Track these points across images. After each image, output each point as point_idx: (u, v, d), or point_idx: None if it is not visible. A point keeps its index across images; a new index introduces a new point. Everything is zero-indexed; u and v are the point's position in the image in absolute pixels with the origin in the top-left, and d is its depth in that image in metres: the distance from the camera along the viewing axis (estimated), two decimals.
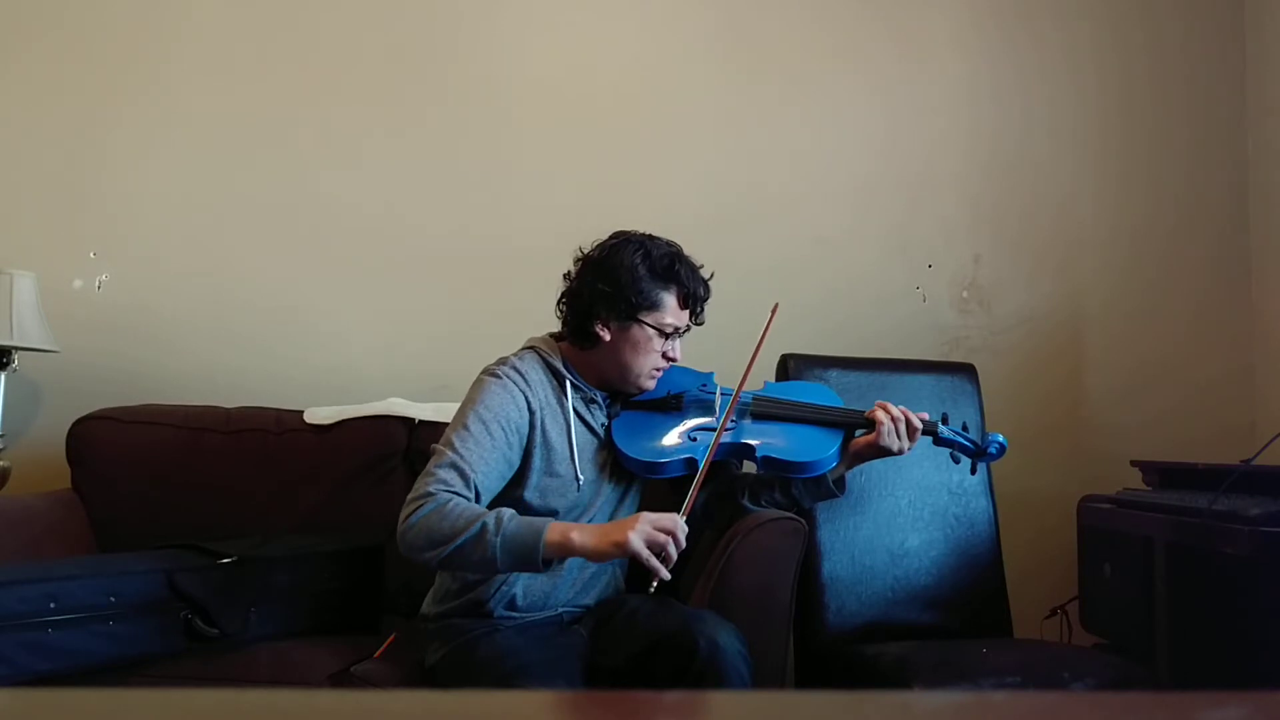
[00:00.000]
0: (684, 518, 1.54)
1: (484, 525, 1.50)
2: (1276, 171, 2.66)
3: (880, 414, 1.75)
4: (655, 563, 1.50)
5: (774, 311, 1.78)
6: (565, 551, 1.53)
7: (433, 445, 1.64)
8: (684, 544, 1.53)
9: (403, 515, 1.56)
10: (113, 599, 1.69)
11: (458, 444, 1.60)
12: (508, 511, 1.54)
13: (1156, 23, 2.79)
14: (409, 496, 1.57)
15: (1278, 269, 2.66)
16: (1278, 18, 2.67)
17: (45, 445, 2.50)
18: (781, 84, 2.77)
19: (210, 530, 2.08)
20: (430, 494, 1.55)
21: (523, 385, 1.70)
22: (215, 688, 1.72)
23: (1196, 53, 2.79)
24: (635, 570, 1.67)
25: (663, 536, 1.50)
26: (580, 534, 1.52)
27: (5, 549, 1.96)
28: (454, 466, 1.58)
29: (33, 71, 2.68)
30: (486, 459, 1.61)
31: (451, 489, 1.56)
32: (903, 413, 1.76)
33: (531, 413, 1.70)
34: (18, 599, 1.60)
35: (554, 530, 1.52)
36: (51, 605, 1.63)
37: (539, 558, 1.51)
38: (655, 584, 1.51)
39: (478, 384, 1.70)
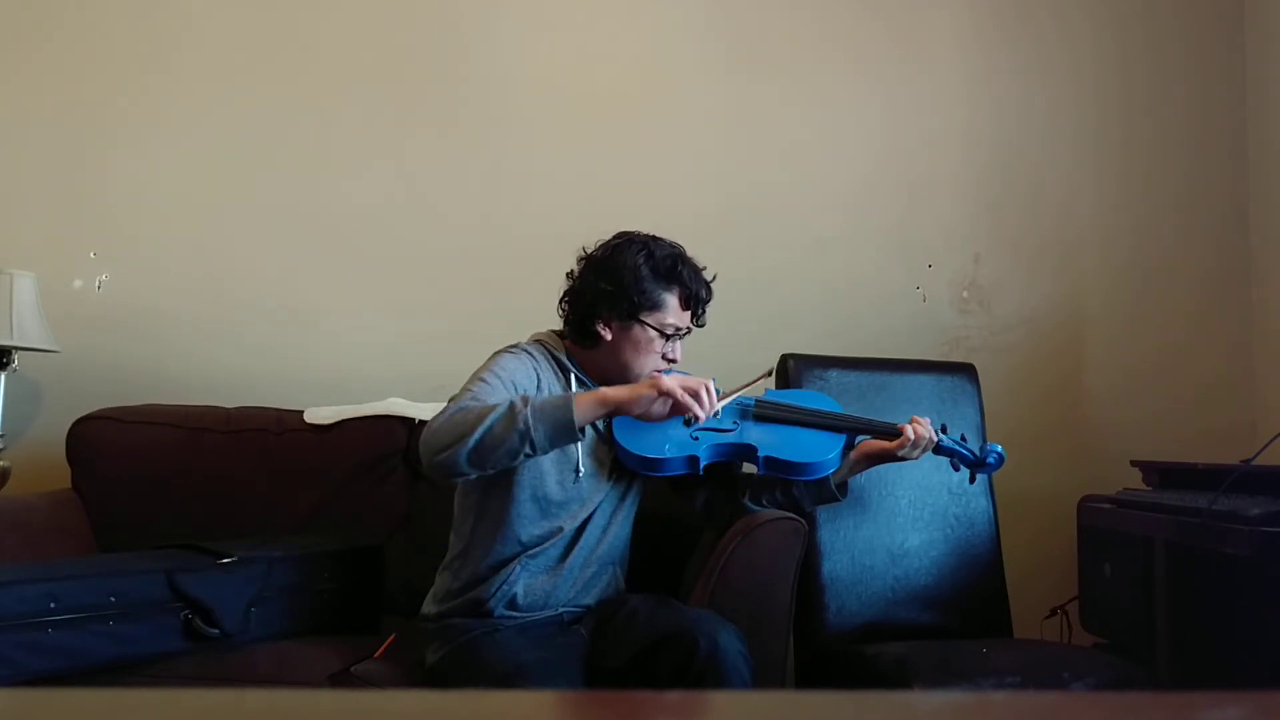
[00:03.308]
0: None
1: (511, 403, 1.53)
2: (1276, 171, 2.66)
3: (920, 430, 1.76)
4: (689, 400, 1.55)
5: (768, 375, 1.84)
6: (599, 405, 1.57)
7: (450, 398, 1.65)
8: (716, 399, 1.58)
9: (425, 428, 1.56)
10: (113, 599, 1.69)
11: (475, 389, 1.62)
12: (528, 394, 1.58)
13: (1156, 23, 2.79)
14: (430, 420, 1.58)
15: (1278, 269, 2.66)
16: (1278, 18, 2.67)
17: (45, 445, 2.49)
18: (781, 84, 2.77)
19: (210, 530, 2.09)
20: (449, 408, 1.56)
21: (534, 363, 1.74)
22: (215, 688, 1.72)
23: (1196, 53, 2.79)
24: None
25: (694, 382, 1.57)
26: (611, 389, 1.60)
27: (5, 549, 1.96)
28: (474, 399, 1.59)
29: (33, 72, 2.68)
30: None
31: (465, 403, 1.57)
32: (931, 434, 1.77)
33: (540, 387, 1.72)
34: (18, 599, 1.60)
35: (584, 395, 1.57)
36: (51, 605, 1.63)
37: (574, 418, 1.53)
38: (689, 419, 1.58)
39: (492, 357, 1.74)
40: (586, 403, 1.56)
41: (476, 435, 1.50)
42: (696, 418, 1.57)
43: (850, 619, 2.15)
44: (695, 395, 1.56)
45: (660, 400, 1.57)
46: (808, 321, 2.65)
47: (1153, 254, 2.75)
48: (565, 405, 1.54)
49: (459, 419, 1.53)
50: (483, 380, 1.65)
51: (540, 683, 1.52)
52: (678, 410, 1.58)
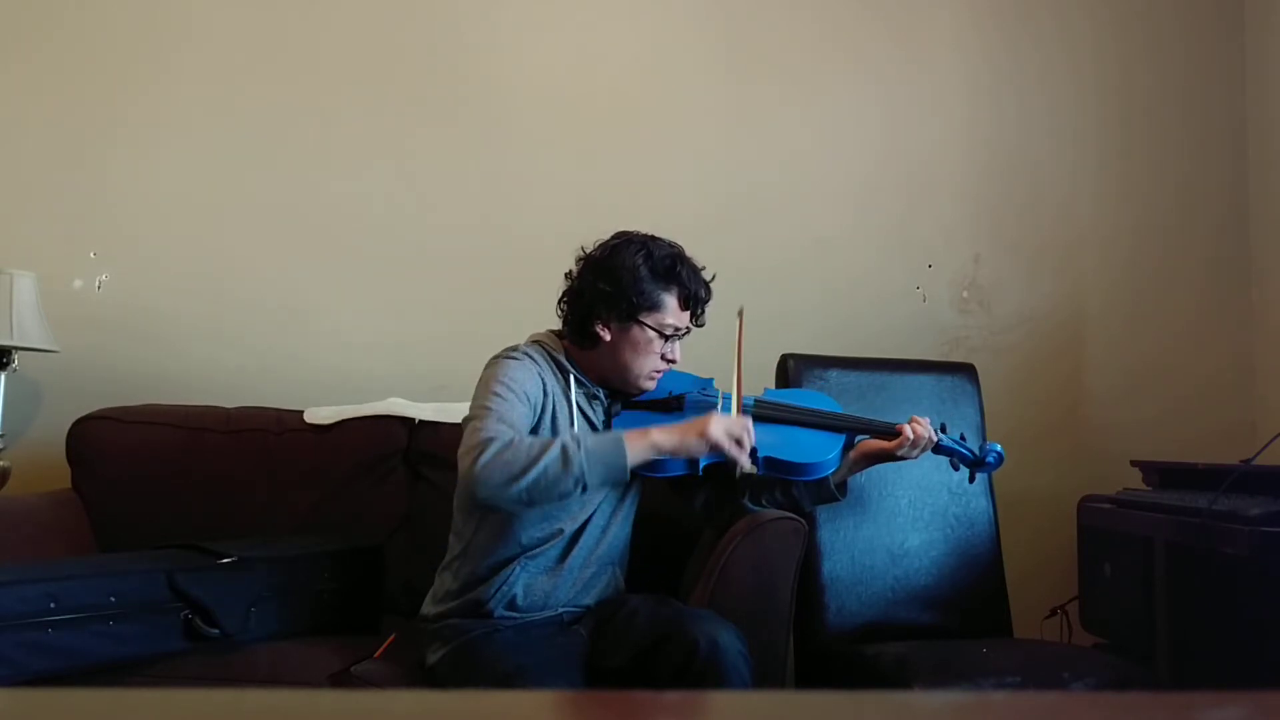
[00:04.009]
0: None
1: (564, 446, 1.53)
2: (1276, 171, 2.66)
3: (919, 429, 1.76)
4: (735, 450, 1.59)
5: (740, 316, 1.79)
6: (650, 450, 1.59)
7: (464, 418, 1.64)
8: (754, 439, 1.62)
9: (466, 463, 1.54)
10: (113, 599, 1.69)
11: (493, 405, 1.61)
12: (575, 431, 1.61)
13: (1156, 23, 2.79)
14: (464, 449, 1.56)
15: (1278, 269, 2.66)
16: (1278, 18, 2.67)
17: (45, 445, 2.49)
18: (781, 84, 2.77)
19: (210, 530, 2.08)
20: (491, 437, 1.55)
21: (536, 366, 1.73)
22: (215, 688, 1.72)
23: (1196, 53, 2.79)
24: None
25: (738, 428, 1.60)
26: (661, 434, 1.60)
27: (5, 549, 1.96)
28: (500, 420, 1.59)
29: (33, 72, 2.68)
30: (520, 420, 1.63)
31: (505, 435, 1.57)
32: (930, 434, 1.77)
33: (545, 394, 1.72)
34: (18, 599, 1.60)
35: (633, 436, 1.58)
36: (51, 605, 1.63)
37: (626, 463, 1.55)
38: (740, 473, 1.62)
39: (495, 363, 1.72)
40: (638, 447, 1.58)
41: (531, 477, 1.51)
42: (739, 466, 1.61)
43: (850, 619, 2.15)
44: (739, 443, 1.60)
45: (706, 446, 1.60)
46: (808, 321, 2.65)
47: (1153, 254, 2.75)
48: (618, 450, 1.56)
49: (509, 458, 1.52)
50: (497, 395, 1.63)
51: (540, 683, 1.52)
52: (719, 454, 1.62)
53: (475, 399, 1.66)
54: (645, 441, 1.59)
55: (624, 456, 1.55)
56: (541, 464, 1.51)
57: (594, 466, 1.53)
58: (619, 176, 2.71)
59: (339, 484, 2.29)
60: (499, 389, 1.64)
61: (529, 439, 1.57)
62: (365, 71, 2.71)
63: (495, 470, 1.52)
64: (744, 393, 1.80)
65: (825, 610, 2.15)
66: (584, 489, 1.56)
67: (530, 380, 1.69)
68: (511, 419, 1.60)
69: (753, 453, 1.75)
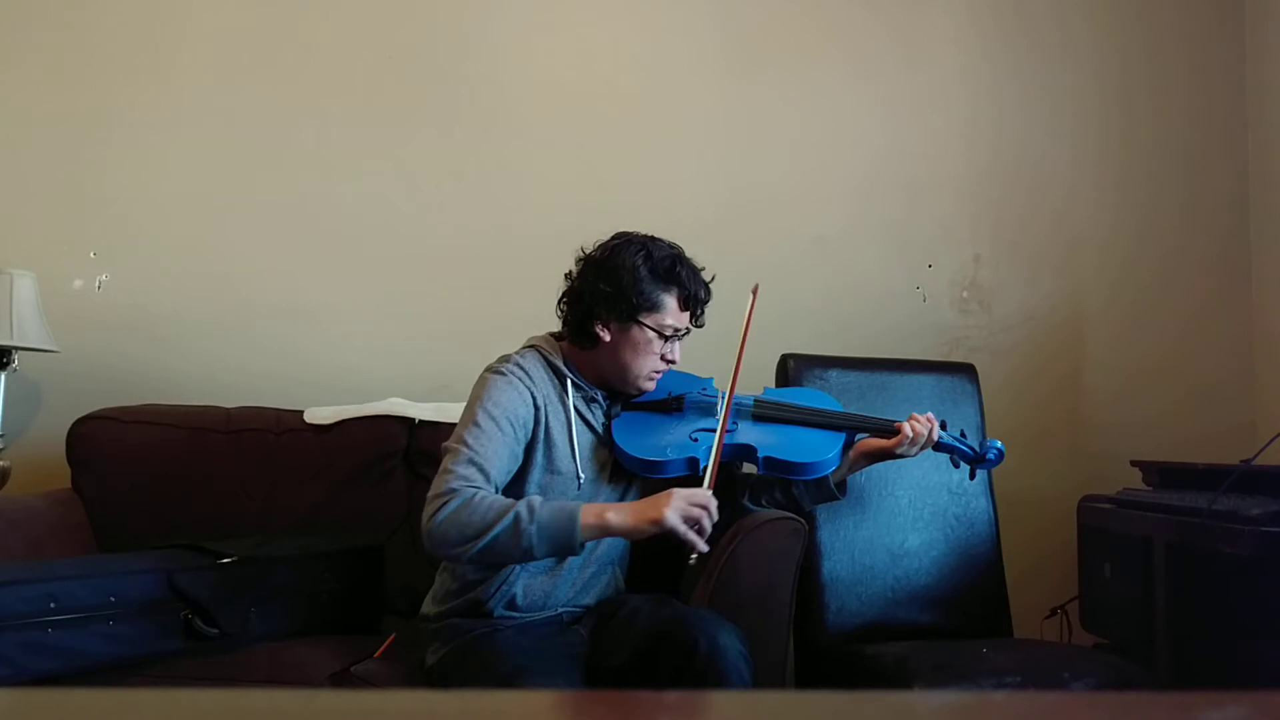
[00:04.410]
0: (709, 490, 1.57)
1: (517, 515, 1.52)
2: (1276, 171, 2.66)
3: (918, 427, 1.75)
4: (693, 536, 1.53)
5: (755, 293, 1.79)
6: (602, 532, 1.57)
7: (444, 445, 1.64)
8: (716, 516, 1.55)
9: (427, 513, 1.55)
10: (113, 599, 1.69)
11: (470, 440, 1.61)
12: (536, 499, 1.57)
13: (1156, 23, 2.79)
14: (430, 494, 1.57)
15: (1278, 269, 2.66)
16: (1278, 18, 2.67)
17: (45, 445, 2.49)
18: (781, 84, 2.77)
19: (210, 530, 2.08)
20: (454, 490, 1.55)
21: (527, 381, 1.71)
22: (215, 688, 1.72)
23: (1196, 52, 2.79)
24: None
25: (697, 510, 1.54)
26: (615, 514, 1.56)
27: (5, 549, 1.96)
28: (472, 463, 1.58)
29: (34, 71, 2.68)
30: (499, 454, 1.62)
31: (473, 484, 1.56)
32: (929, 431, 1.77)
33: (536, 409, 1.71)
34: (18, 599, 1.60)
35: (588, 513, 1.55)
36: (51, 605, 1.63)
37: (576, 541, 1.54)
38: (694, 557, 1.56)
39: (482, 382, 1.70)
40: (590, 526, 1.55)
41: (481, 545, 1.52)
42: (696, 551, 1.55)
43: (850, 619, 2.15)
44: (698, 528, 1.53)
45: (659, 531, 1.54)
46: (808, 321, 2.65)
47: (1153, 254, 2.75)
48: (570, 528, 1.53)
49: (464, 520, 1.52)
50: (476, 425, 1.62)
51: (540, 683, 1.52)
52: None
53: (460, 422, 1.65)
54: (598, 521, 1.55)
55: (575, 535, 1.54)
56: (493, 533, 1.52)
57: (542, 541, 1.53)
58: (619, 177, 2.71)
59: (339, 484, 2.29)
60: (480, 418, 1.63)
61: (488, 500, 1.55)
62: (366, 71, 2.71)
63: (449, 531, 1.53)
64: (744, 393, 1.81)
65: (825, 610, 2.15)
66: (531, 559, 1.59)
67: (517, 401, 1.67)
68: (485, 458, 1.59)
69: (753, 452, 1.75)
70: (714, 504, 1.55)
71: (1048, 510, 2.53)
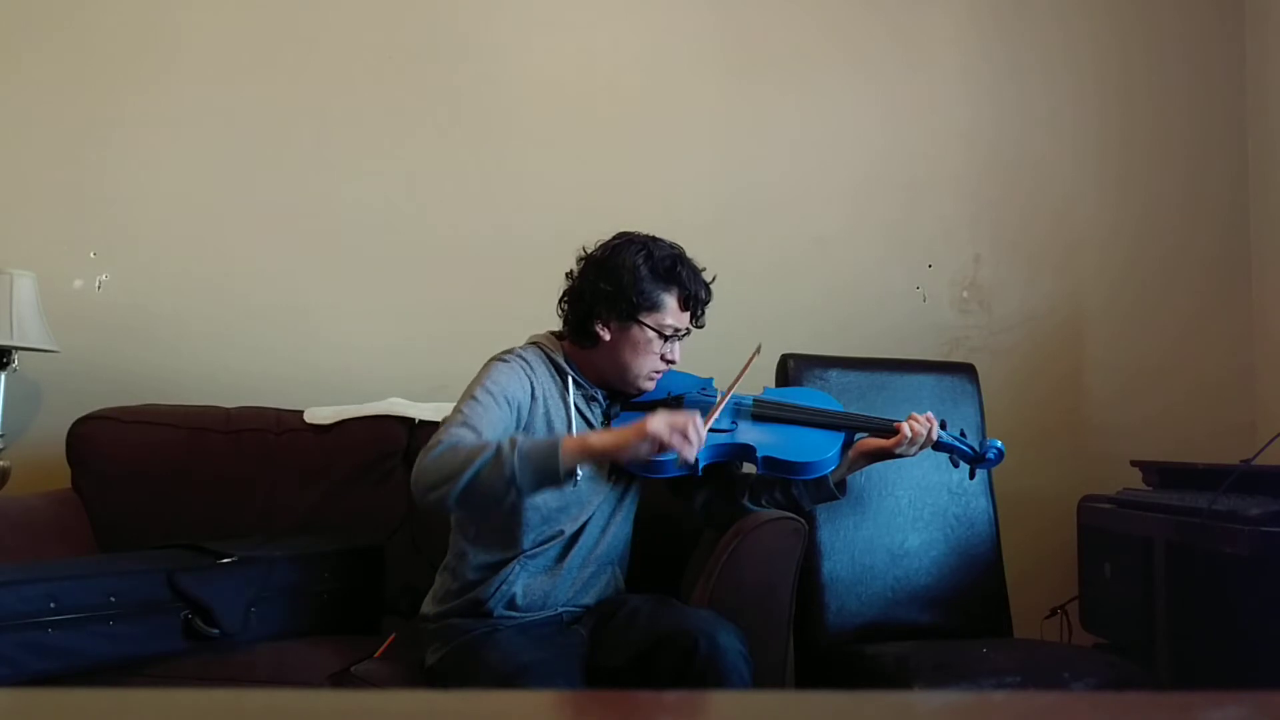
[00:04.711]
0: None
1: (499, 447, 1.52)
2: (1276, 171, 2.66)
3: (918, 426, 1.75)
4: (680, 441, 1.51)
5: (755, 353, 1.81)
6: (585, 453, 1.56)
7: (443, 418, 1.65)
8: (704, 435, 1.55)
9: (417, 461, 1.56)
10: (113, 599, 1.69)
11: (467, 410, 1.62)
12: (518, 435, 1.57)
13: (1156, 22, 2.79)
14: (422, 451, 1.58)
15: (1278, 269, 2.66)
16: (1278, 18, 2.67)
17: (45, 445, 2.49)
18: (781, 83, 2.77)
19: (210, 530, 2.08)
20: (442, 440, 1.56)
21: (529, 371, 1.73)
22: (215, 688, 1.72)
23: (1196, 52, 2.79)
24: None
25: (681, 420, 1.52)
26: (597, 436, 1.59)
27: (5, 549, 1.96)
28: (465, 425, 1.60)
29: (34, 72, 2.68)
30: (495, 426, 1.63)
31: (455, 439, 1.57)
32: (929, 430, 1.77)
33: (534, 398, 1.72)
34: (18, 599, 1.60)
35: (569, 439, 1.56)
36: (51, 605, 1.63)
37: (559, 466, 1.52)
38: (687, 469, 1.59)
39: (485, 367, 1.73)
40: (572, 450, 1.54)
41: (464, 479, 1.51)
42: (686, 461, 1.55)
43: (850, 619, 2.15)
44: (684, 435, 1.52)
45: (649, 444, 1.53)
46: (808, 321, 2.65)
47: (1153, 254, 2.75)
48: (552, 453, 1.53)
49: (448, 458, 1.53)
50: (474, 399, 1.64)
51: (540, 683, 1.52)
52: (665, 450, 1.54)
53: (460, 398, 1.67)
54: (579, 445, 1.55)
55: (557, 461, 1.52)
56: (474, 466, 1.51)
57: (524, 470, 1.51)
58: (619, 177, 2.71)
59: (339, 484, 2.29)
60: (478, 393, 1.65)
61: (471, 441, 1.56)
62: (365, 71, 2.71)
63: (432, 472, 1.53)
64: (744, 393, 1.81)
65: (825, 610, 2.15)
66: (519, 492, 1.54)
67: (515, 384, 1.69)
68: (481, 425, 1.60)
69: (752, 452, 1.75)
70: (699, 422, 1.53)
71: (1048, 510, 2.53)
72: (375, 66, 2.72)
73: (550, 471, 1.53)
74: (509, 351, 1.77)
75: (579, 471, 1.61)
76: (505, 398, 1.67)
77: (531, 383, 1.72)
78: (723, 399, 1.73)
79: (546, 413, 1.73)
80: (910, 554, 2.22)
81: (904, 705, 0.61)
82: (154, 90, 2.69)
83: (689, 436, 1.52)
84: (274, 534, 2.18)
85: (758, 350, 1.83)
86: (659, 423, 1.52)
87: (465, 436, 1.58)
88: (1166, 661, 1.93)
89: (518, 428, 1.69)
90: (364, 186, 2.69)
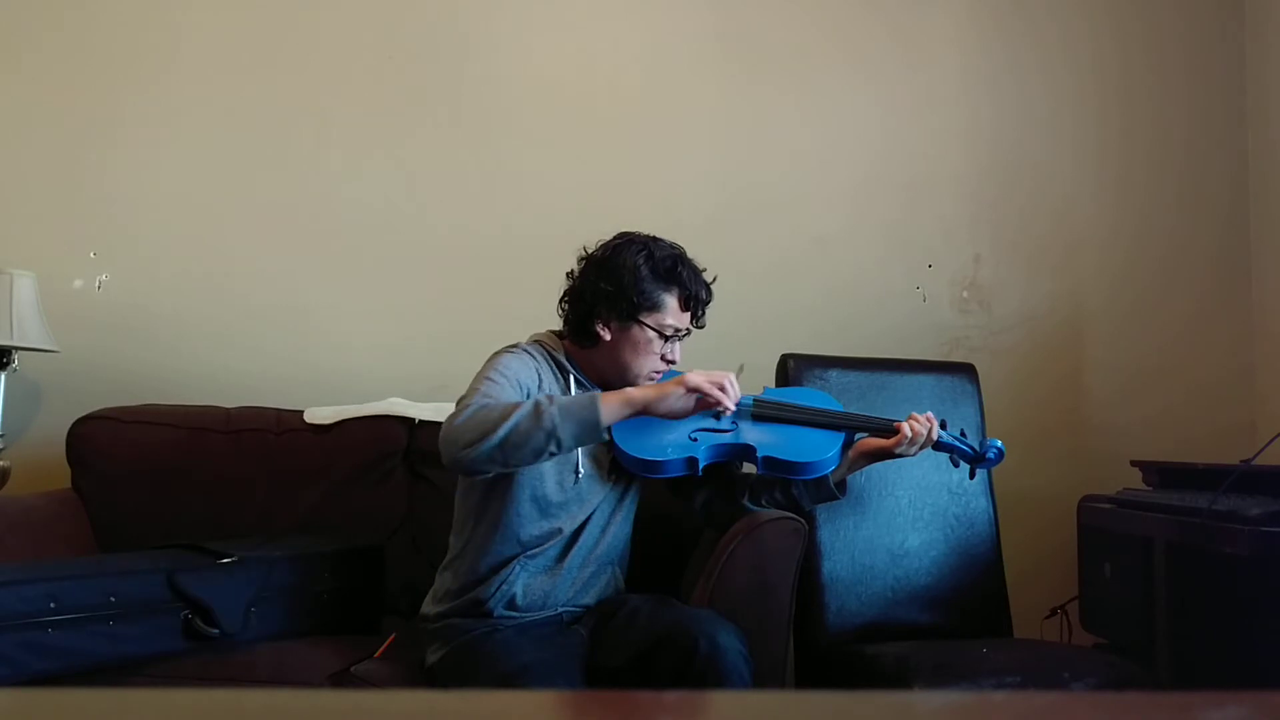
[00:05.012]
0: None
1: (537, 402, 1.54)
2: (1276, 171, 2.66)
3: (918, 426, 1.75)
4: (719, 393, 1.58)
5: (738, 373, 1.81)
6: (625, 405, 1.57)
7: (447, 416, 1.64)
8: (737, 389, 1.61)
9: (445, 425, 1.56)
10: (113, 599, 1.69)
11: (484, 388, 1.63)
12: (551, 393, 1.61)
13: (1156, 22, 2.79)
14: (448, 418, 1.58)
15: (1278, 269, 2.66)
16: (1278, 18, 2.67)
17: (45, 445, 2.49)
18: (781, 83, 2.77)
19: (210, 530, 2.09)
20: (470, 404, 1.57)
21: (535, 362, 1.75)
22: (215, 688, 1.72)
23: (1196, 52, 2.79)
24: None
25: (719, 375, 1.59)
26: (636, 390, 1.61)
27: (5, 549, 1.96)
28: (486, 397, 1.60)
29: (33, 72, 2.68)
30: (511, 401, 1.63)
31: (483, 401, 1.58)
32: (929, 430, 1.77)
33: (541, 388, 1.73)
34: (18, 599, 1.60)
35: (609, 394, 1.58)
36: (51, 605, 1.63)
37: (600, 417, 1.54)
38: (725, 417, 1.64)
39: (493, 357, 1.74)
40: (613, 402, 1.56)
41: (502, 432, 1.51)
42: (726, 410, 1.60)
43: (850, 619, 2.15)
44: (721, 387, 1.58)
45: (686, 396, 1.58)
46: (808, 321, 2.65)
47: (1153, 254, 2.75)
48: (591, 405, 1.55)
49: (482, 415, 1.54)
50: (490, 379, 1.65)
51: (540, 683, 1.52)
52: (704, 405, 1.60)
53: (472, 383, 1.67)
54: (621, 397, 1.58)
55: (597, 413, 1.54)
56: (513, 419, 1.51)
57: (566, 421, 1.52)
58: (619, 176, 2.71)
59: (339, 484, 2.29)
60: (492, 374, 1.67)
61: (505, 400, 1.58)
62: (365, 71, 2.71)
63: (468, 429, 1.53)
64: (744, 393, 1.81)
65: (825, 610, 2.15)
66: (558, 444, 1.54)
67: (525, 371, 1.71)
68: (500, 400, 1.61)
69: (752, 452, 1.75)
70: (734, 377, 1.61)
71: (1048, 510, 2.53)
72: (375, 66, 2.72)
73: (591, 424, 1.54)
74: (514, 345, 1.78)
75: (607, 435, 1.64)
76: (518, 381, 1.68)
77: (539, 373, 1.74)
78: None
79: None
80: (910, 554, 2.22)
81: (904, 705, 0.61)
82: (154, 90, 2.69)
83: (726, 389, 1.58)
84: (274, 534, 2.18)
85: (739, 370, 1.84)
86: (697, 375, 1.58)
87: (491, 402, 1.58)
88: (1166, 661, 1.93)
89: None
90: (364, 186, 2.69)
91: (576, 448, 1.64)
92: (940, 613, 2.19)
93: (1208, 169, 2.77)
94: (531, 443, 1.52)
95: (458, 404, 1.63)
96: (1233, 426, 2.62)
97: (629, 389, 1.60)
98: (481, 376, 1.67)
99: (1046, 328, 2.74)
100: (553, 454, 1.56)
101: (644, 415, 1.60)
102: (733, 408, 1.61)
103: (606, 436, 1.60)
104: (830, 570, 2.17)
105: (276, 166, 2.68)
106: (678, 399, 1.58)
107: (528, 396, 1.69)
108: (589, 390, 1.80)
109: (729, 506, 1.89)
